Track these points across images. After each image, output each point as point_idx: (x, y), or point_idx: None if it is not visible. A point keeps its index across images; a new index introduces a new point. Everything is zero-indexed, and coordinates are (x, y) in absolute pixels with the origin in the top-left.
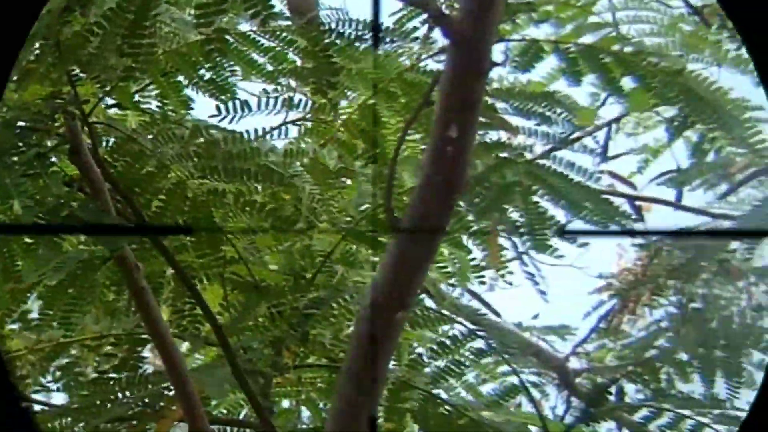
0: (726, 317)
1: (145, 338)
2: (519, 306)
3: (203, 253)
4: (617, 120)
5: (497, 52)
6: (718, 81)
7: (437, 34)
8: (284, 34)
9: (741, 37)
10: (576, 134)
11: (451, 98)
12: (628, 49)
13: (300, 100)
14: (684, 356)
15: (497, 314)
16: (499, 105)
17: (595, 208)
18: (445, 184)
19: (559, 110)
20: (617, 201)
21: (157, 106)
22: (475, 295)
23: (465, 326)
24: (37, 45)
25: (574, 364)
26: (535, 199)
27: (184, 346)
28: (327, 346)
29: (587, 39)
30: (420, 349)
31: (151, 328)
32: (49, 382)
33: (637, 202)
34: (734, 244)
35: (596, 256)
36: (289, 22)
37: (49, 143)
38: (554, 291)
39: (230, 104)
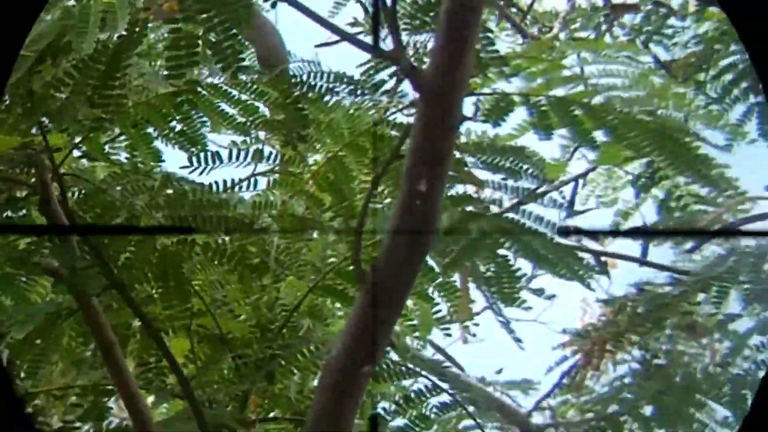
0: (689, 373)
1: (111, 389)
2: (480, 360)
3: (170, 304)
4: (584, 175)
5: (468, 105)
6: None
7: (407, 86)
8: (255, 86)
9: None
10: (543, 188)
11: (420, 152)
12: (597, 100)
13: (270, 153)
14: (648, 411)
15: (461, 368)
16: (468, 159)
17: (560, 261)
18: (413, 237)
19: (526, 165)
20: (583, 256)
21: (126, 158)
22: (439, 349)
23: (430, 380)
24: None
25: (537, 419)
26: (503, 252)
27: (150, 399)
28: (292, 399)
29: (557, 92)
30: (383, 403)
31: (117, 379)
32: None
33: (603, 258)
34: (700, 297)
35: (560, 312)
36: (257, 75)
37: (19, 193)
38: (517, 346)
39: (201, 156)
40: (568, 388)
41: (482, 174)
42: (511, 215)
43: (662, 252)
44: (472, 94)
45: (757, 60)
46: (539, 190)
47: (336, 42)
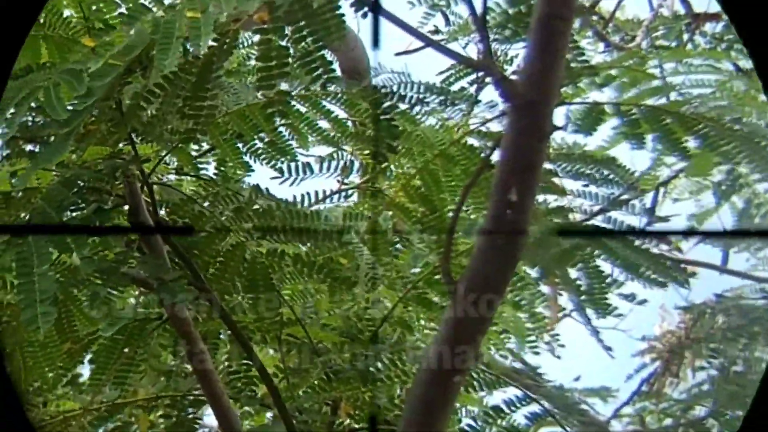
0: None
1: (202, 399)
2: (555, 367)
3: (260, 314)
4: (665, 183)
5: (558, 114)
6: None
7: (497, 96)
8: (344, 97)
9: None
10: (624, 196)
11: (511, 161)
12: (686, 110)
13: (358, 164)
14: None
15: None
16: (553, 167)
17: (650, 267)
18: (504, 248)
19: (613, 174)
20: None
21: (214, 170)
22: (518, 357)
23: (521, 390)
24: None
25: (615, 427)
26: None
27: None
28: (382, 408)
29: (647, 102)
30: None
31: (207, 389)
32: None
33: (683, 266)
34: None
35: (639, 319)
36: (347, 86)
37: (108, 203)
38: (596, 353)
39: (291, 166)
40: (647, 395)
41: (566, 182)
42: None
43: (742, 259)
44: (563, 103)
45: (757, 60)
46: (622, 197)
47: (416, 50)
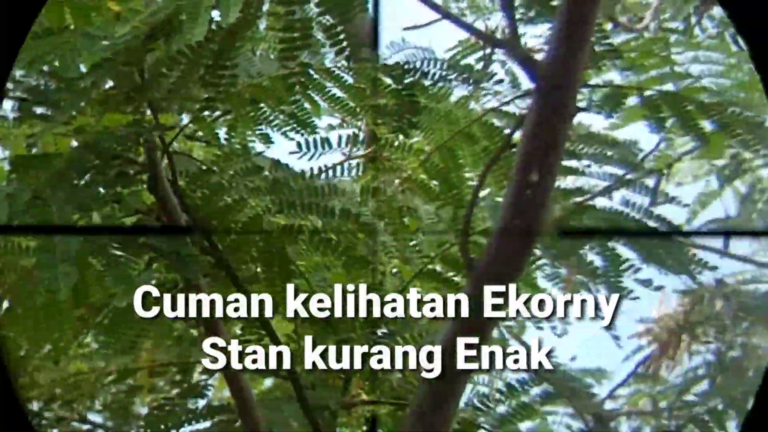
0: (762, 367)
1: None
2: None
3: (274, 285)
4: (669, 165)
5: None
6: None
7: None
8: (368, 71)
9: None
10: (630, 176)
11: (534, 142)
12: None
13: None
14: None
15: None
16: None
17: (668, 255)
18: (523, 228)
19: (622, 155)
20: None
21: (232, 140)
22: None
23: (533, 371)
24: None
25: (609, 407)
26: (611, 244)
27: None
28: (394, 383)
29: (668, 87)
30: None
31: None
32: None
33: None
34: None
35: (637, 301)
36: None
37: (130, 171)
38: (593, 333)
39: (310, 140)
40: (643, 378)
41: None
42: (620, 208)
43: (743, 245)
44: (587, 86)
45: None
46: (627, 177)
47: (425, 25)
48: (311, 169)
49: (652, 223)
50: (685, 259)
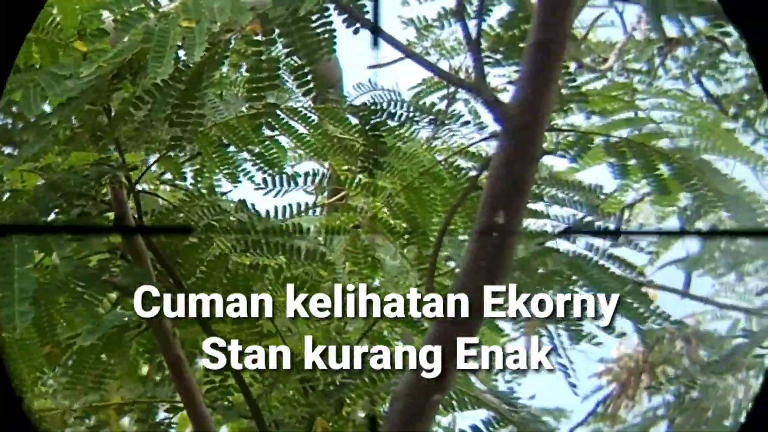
0: (722, 407)
1: (178, 406)
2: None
3: (240, 325)
4: (631, 206)
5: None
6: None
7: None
8: (335, 112)
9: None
10: (589, 218)
11: (500, 183)
12: (666, 145)
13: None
14: None
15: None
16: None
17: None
18: (488, 269)
19: (582, 198)
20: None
21: (197, 181)
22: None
23: (498, 412)
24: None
25: None
26: (573, 287)
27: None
28: (358, 424)
29: (625, 132)
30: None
31: (184, 396)
32: None
33: (644, 289)
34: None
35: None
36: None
37: (93, 209)
38: (552, 373)
39: (276, 178)
40: (603, 417)
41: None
42: (582, 252)
43: (704, 284)
44: (553, 129)
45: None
46: (586, 220)
47: (389, 63)
48: (275, 207)
49: (613, 268)
50: (645, 309)
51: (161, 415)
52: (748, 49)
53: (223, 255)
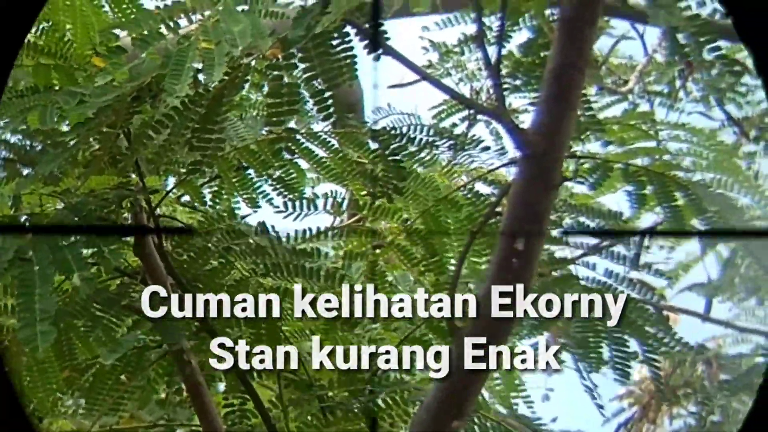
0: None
1: (196, 430)
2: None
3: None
4: (650, 231)
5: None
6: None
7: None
8: (354, 137)
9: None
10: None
11: (520, 210)
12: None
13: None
14: None
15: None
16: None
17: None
18: (509, 294)
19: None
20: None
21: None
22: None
23: None
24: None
25: None
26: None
27: None
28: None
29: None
30: None
31: (203, 420)
32: None
33: (666, 313)
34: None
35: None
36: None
37: None
38: (574, 394)
39: (296, 202)
40: None
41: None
42: (601, 278)
43: (725, 309)
44: (572, 156)
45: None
46: (604, 244)
47: (409, 84)
48: (296, 231)
49: (633, 293)
50: (665, 333)
51: None
52: (756, 67)
53: (244, 279)
